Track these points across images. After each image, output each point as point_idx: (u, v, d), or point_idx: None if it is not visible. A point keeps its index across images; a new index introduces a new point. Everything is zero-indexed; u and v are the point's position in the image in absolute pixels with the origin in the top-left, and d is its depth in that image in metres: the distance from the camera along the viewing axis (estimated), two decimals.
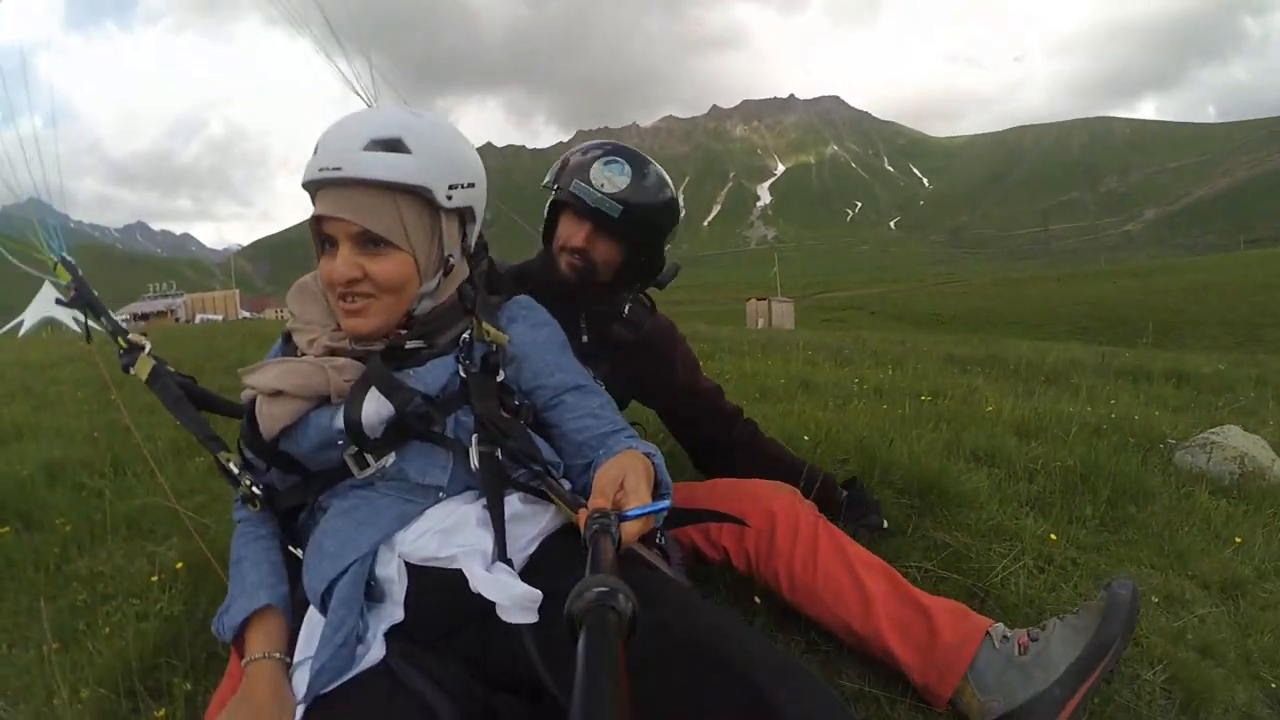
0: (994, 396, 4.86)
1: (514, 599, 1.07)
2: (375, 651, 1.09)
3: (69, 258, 1.60)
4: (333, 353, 1.32)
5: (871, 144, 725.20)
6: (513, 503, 1.25)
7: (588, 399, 1.40)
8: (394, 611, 1.14)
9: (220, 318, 65.58)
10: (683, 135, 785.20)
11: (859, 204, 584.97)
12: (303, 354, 1.35)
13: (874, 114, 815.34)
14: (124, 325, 1.54)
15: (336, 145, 1.24)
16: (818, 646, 1.82)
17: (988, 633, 1.56)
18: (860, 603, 1.65)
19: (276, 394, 1.27)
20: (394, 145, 1.24)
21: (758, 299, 38.85)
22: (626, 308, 2.11)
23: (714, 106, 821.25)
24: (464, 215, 1.37)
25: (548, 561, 1.21)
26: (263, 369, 1.31)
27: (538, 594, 1.07)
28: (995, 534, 2.42)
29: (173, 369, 1.50)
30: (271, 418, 1.27)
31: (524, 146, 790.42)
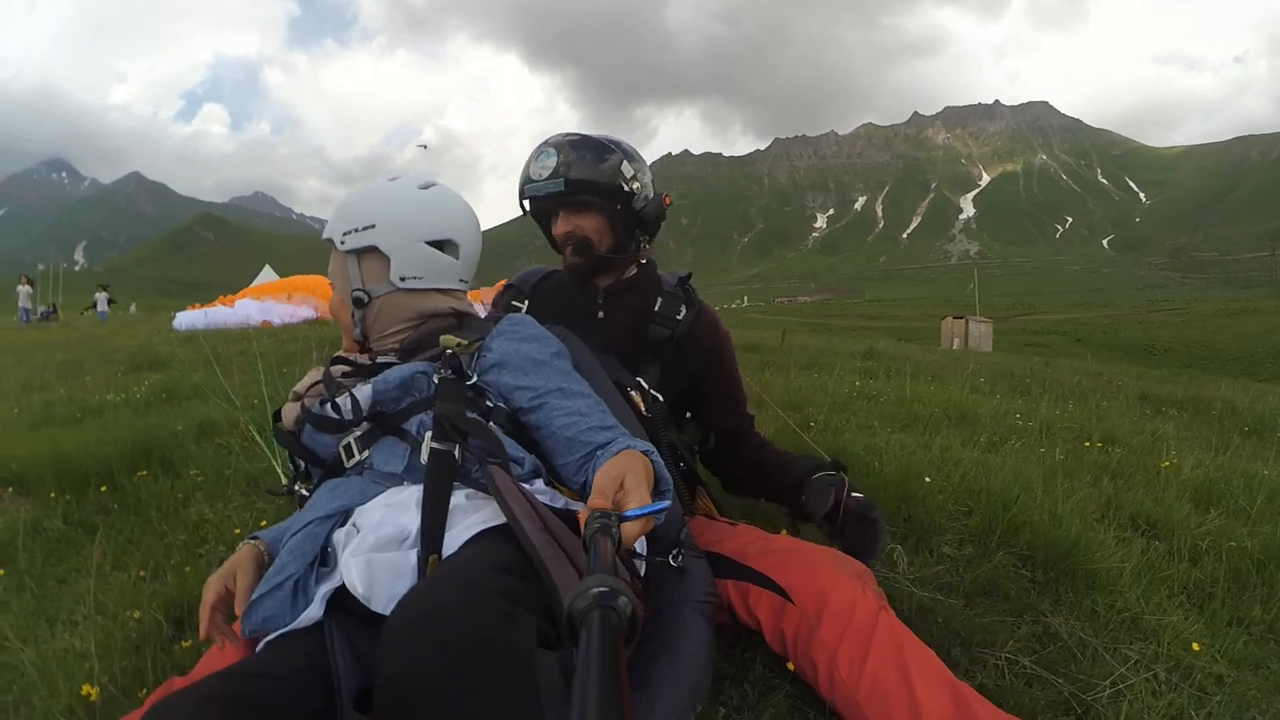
0: (1179, 448, 4.13)
1: (367, 586, 1.15)
2: (314, 610, 1.20)
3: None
4: (346, 361, 1.62)
5: (1083, 154, 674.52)
6: (459, 496, 1.31)
7: (571, 400, 1.47)
8: (338, 577, 1.23)
9: None
10: (882, 143, 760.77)
11: (1069, 219, 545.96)
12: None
13: (1085, 121, 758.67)
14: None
15: None
16: None
17: None
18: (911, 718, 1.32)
19: (296, 396, 1.60)
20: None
21: (954, 318, 36.98)
22: (658, 302, 2.10)
23: (915, 113, 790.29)
24: (371, 253, 1.61)
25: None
26: (306, 376, 1.65)
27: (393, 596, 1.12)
28: (1128, 629, 1.99)
29: None
30: (288, 415, 1.59)
31: (720, 154, 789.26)
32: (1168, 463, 3.59)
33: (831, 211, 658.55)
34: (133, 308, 49.30)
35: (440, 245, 1.63)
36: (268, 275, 28.15)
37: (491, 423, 1.44)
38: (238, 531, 2.63)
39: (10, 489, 3.20)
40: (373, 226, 1.58)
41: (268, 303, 15.15)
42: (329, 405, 1.46)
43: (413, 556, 1.21)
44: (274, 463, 3.22)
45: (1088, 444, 3.94)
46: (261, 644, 1.23)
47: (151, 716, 1.03)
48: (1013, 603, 2.07)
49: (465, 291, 1.73)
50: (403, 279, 1.60)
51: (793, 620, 1.54)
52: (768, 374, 7.28)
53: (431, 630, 0.95)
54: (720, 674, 1.72)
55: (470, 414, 1.41)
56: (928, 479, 2.76)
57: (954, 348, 29.92)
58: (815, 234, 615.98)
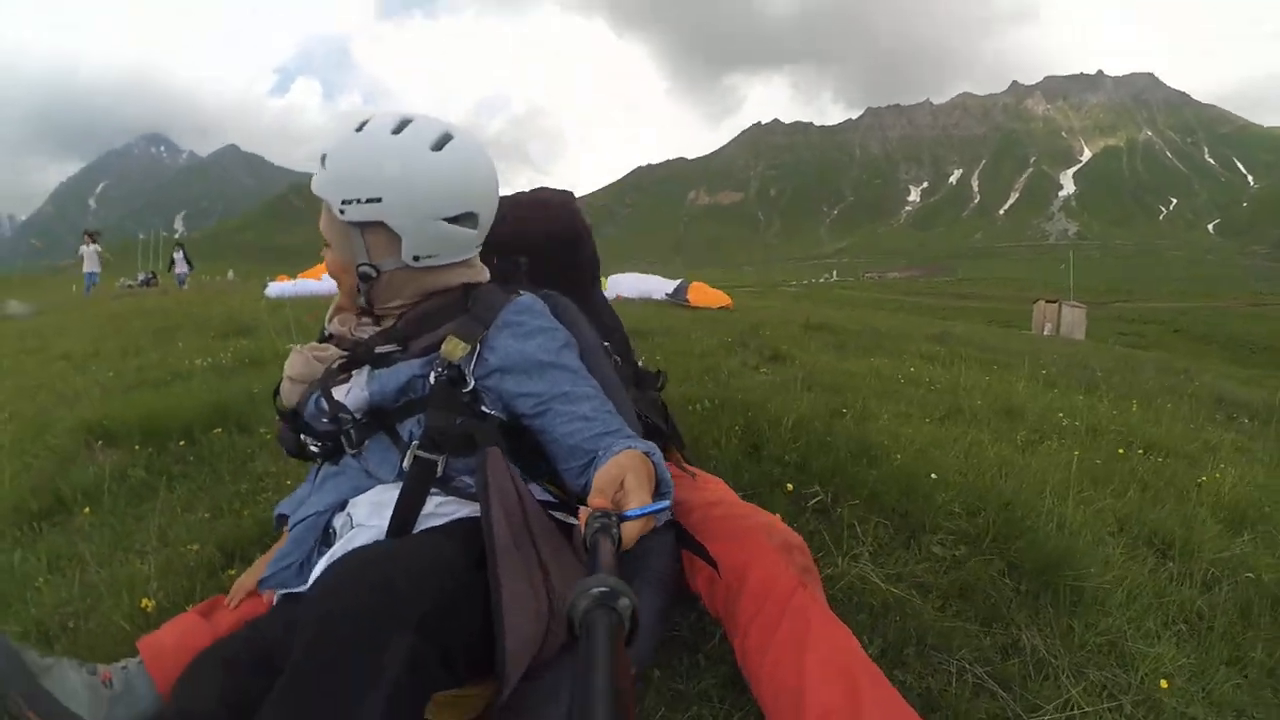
0: (1230, 462, 3.94)
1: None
2: (313, 580, 1.40)
3: None
4: (338, 338, 1.61)
5: (1190, 131, 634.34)
6: (431, 504, 1.41)
7: (576, 404, 1.45)
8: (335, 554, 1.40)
9: None
10: (980, 114, 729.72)
11: (1174, 200, 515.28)
12: (325, 330, 1.67)
13: (1194, 95, 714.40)
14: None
15: None
16: None
17: None
18: (793, 707, 1.29)
19: (290, 378, 1.61)
20: (321, 160, 1.49)
21: (1047, 301, 35.64)
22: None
23: (1013, 83, 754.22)
24: (378, 228, 1.48)
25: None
26: (289, 358, 1.62)
27: None
28: (1104, 654, 1.93)
29: None
30: (288, 395, 1.61)
31: (811, 124, 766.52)
32: (1206, 477, 3.45)
33: (925, 185, 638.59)
34: (230, 274, 51.08)
35: (458, 220, 1.50)
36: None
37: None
38: (289, 483, 2.90)
39: (101, 442, 3.54)
40: (378, 200, 1.43)
41: None
42: (325, 398, 1.50)
43: None
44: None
45: (1122, 450, 3.82)
46: (276, 597, 1.51)
47: (187, 674, 1.35)
48: (985, 610, 2.03)
49: (477, 254, 1.64)
50: (416, 258, 1.50)
51: (721, 593, 1.55)
52: (828, 355, 7.25)
53: (318, 601, 1.15)
54: (682, 642, 1.83)
55: (460, 421, 1.43)
56: (933, 475, 2.70)
57: (1045, 333, 28.92)
58: (908, 208, 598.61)
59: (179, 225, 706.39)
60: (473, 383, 1.46)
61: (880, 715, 1.23)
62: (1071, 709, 1.70)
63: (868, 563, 2.21)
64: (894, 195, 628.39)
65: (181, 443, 3.48)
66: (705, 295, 16.40)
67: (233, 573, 2.22)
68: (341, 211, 1.45)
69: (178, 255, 28.38)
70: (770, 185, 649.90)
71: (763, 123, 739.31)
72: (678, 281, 17.22)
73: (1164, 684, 1.81)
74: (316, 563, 1.45)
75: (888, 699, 1.28)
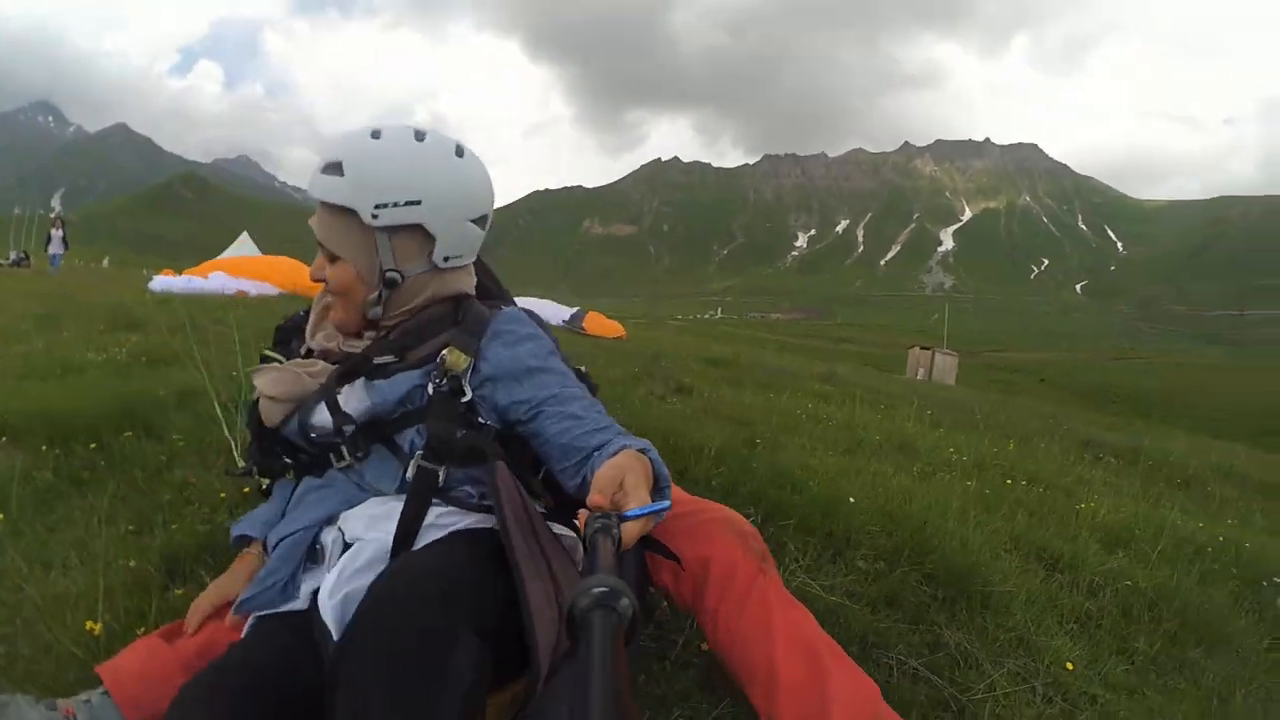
0: (1102, 494, 4.48)
1: (331, 622, 1.21)
2: (301, 603, 1.35)
3: None
4: (324, 352, 1.56)
5: (1066, 199, 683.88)
6: (433, 514, 1.38)
7: (565, 405, 1.45)
8: (323, 575, 1.33)
9: None
10: (871, 169, 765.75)
11: (1045, 261, 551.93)
12: (303, 345, 1.62)
13: (1072, 167, 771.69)
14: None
15: (313, 168, 1.47)
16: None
17: None
18: (765, 686, 1.46)
19: (274, 398, 1.51)
20: (334, 168, 1.43)
21: (921, 348, 37.49)
22: None
23: (905, 143, 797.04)
24: (420, 231, 1.47)
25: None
26: (261, 373, 1.53)
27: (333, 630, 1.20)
28: (1014, 646, 2.21)
29: None
30: (269, 414, 1.52)
31: (710, 164, 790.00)
32: (1084, 505, 3.90)
33: (813, 232, 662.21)
34: (105, 261, 48.07)
35: (479, 220, 1.54)
36: (245, 243, 26.92)
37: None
38: (223, 495, 2.78)
39: (3, 438, 3.35)
40: (418, 203, 1.43)
41: (243, 280, 15.09)
42: (331, 410, 1.45)
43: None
44: (231, 439, 3.32)
45: (1009, 481, 4.24)
46: (251, 619, 1.37)
47: (175, 708, 1.16)
48: (911, 613, 2.28)
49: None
50: (446, 259, 1.51)
51: (687, 585, 1.65)
52: (728, 389, 7.55)
53: (372, 616, 1.08)
54: (648, 652, 1.95)
55: (461, 432, 1.43)
56: (851, 499, 2.98)
57: (918, 378, 30.36)
58: (794, 253, 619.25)
59: (56, 203, 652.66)
60: (470, 393, 1.46)
61: (841, 680, 1.42)
62: (995, 691, 1.96)
63: (804, 575, 2.44)
64: (782, 240, 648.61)
65: (92, 445, 3.33)
66: (601, 325, 16.79)
67: (181, 593, 2.12)
68: (375, 216, 1.42)
69: (55, 233, 25.30)
70: (664, 220, 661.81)
71: (663, 159, 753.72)
72: (574, 309, 17.49)
73: (1069, 666, 2.14)
74: (302, 581, 1.38)
75: (846, 667, 1.46)
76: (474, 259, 1.63)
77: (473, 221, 1.53)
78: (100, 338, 6.63)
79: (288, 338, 1.74)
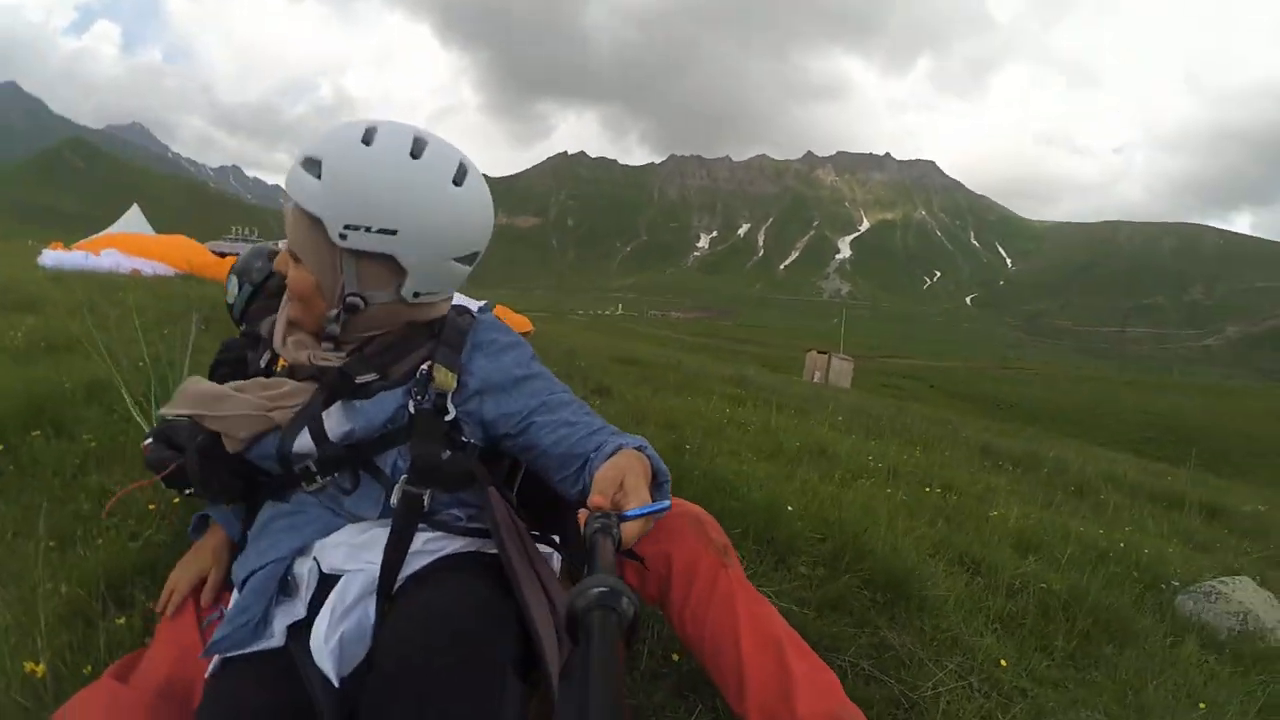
0: (1008, 501, 4.75)
1: (330, 668, 1.17)
2: (277, 640, 1.24)
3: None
4: (294, 365, 1.41)
5: (960, 215, 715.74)
6: (418, 541, 1.32)
7: (556, 412, 1.39)
8: (298, 609, 1.28)
9: None
10: (774, 175, 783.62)
11: (938, 273, 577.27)
12: (266, 354, 1.50)
13: (967, 185, 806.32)
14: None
15: (299, 150, 1.31)
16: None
17: None
18: (735, 683, 1.48)
19: (241, 439, 1.37)
20: (313, 166, 1.26)
21: (818, 352, 38.55)
22: None
23: (809, 152, 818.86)
24: (381, 259, 1.31)
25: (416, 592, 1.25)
26: (222, 414, 1.36)
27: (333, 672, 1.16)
28: (950, 646, 2.34)
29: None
30: (231, 443, 1.38)
31: (616, 161, 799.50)
32: (996, 512, 4.14)
33: (715, 234, 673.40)
34: None
35: (465, 259, 1.38)
36: (136, 216, 25.58)
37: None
38: (151, 507, 2.53)
39: None
40: (394, 233, 1.27)
41: (137, 259, 14.37)
42: (315, 438, 1.34)
43: (372, 609, 1.24)
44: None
45: (928, 489, 4.47)
46: (216, 661, 1.24)
47: None
48: (855, 617, 2.40)
49: None
50: (416, 295, 1.37)
51: (652, 583, 1.63)
52: (644, 390, 7.64)
53: (428, 633, 1.08)
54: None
55: (446, 453, 1.35)
56: (790, 508, 3.08)
57: (815, 380, 31.21)
58: (696, 253, 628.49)
59: None
60: (454, 412, 1.36)
61: (805, 672, 1.45)
62: (938, 688, 2.08)
63: (754, 582, 2.45)
64: (685, 240, 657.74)
65: (0, 447, 3.09)
66: (508, 319, 16.68)
67: (122, 621, 1.90)
68: (342, 237, 1.26)
69: None
70: (569, 215, 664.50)
71: (569, 153, 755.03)
72: (481, 303, 17.33)
73: (1003, 663, 2.29)
74: (274, 617, 1.28)
75: (809, 661, 1.49)
76: (452, 293, 1.49)
77: (457, 260, 1.37)
78: None
79: (255, 335, 1.62)
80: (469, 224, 1.36)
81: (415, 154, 1.29)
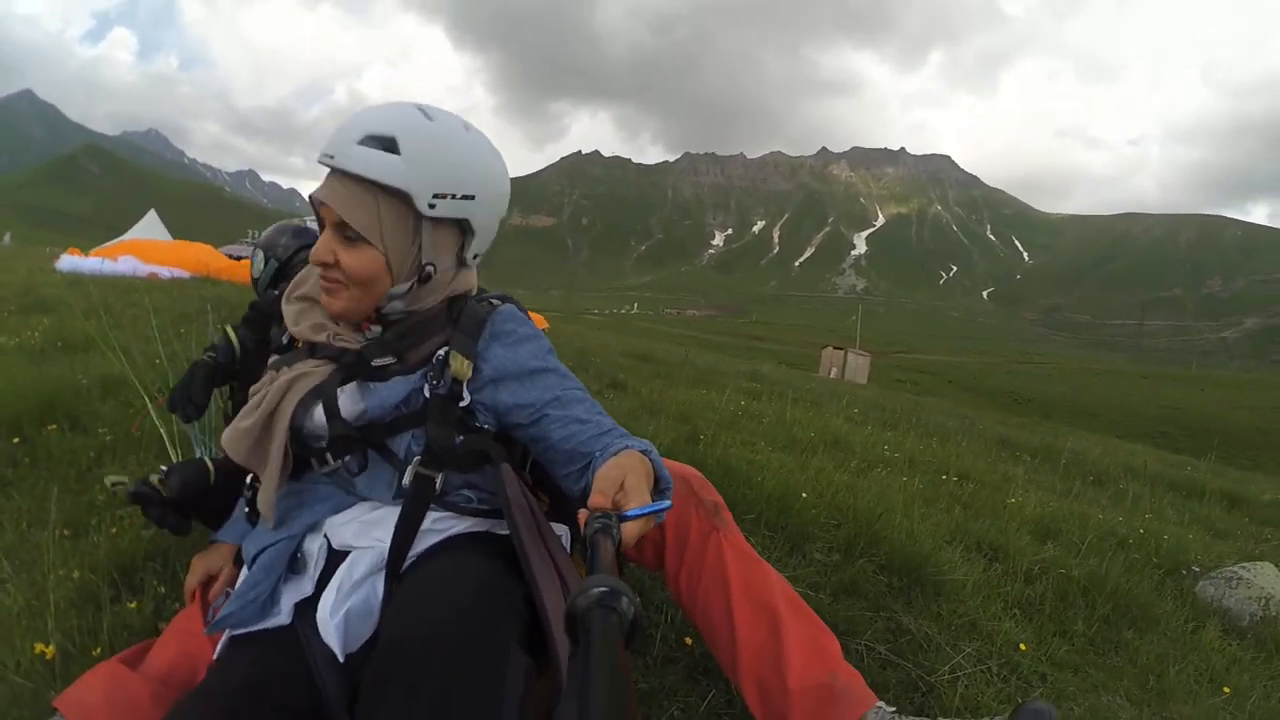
0: (1026, 490, 4.72)
1: (335, 642, 1.18)
2: (284, 617, 1.25)
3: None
4: (311, 345, 1.41)
5: (976, 209, 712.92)
6: (430, 517, 1.32)
7: (568, 408, 1.38)
8: (306, 586, 1.29)
9: None
10: (788, 172, 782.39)
11: (954, 268, 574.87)
12: (284, 333, 1.50)
13: (983, 179, 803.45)
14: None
15: (340, 133, 1.30)
16: None
17: None
18: (727, 649, 1.48)
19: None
20: (386, 144, 1.27)
21: (834, 348, 38.46)
22: None
23: (823, 148, 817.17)
24: (460, 226, 1.38)
25: (423, 569, 1.26)
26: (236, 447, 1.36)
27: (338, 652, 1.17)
28: (967, 630, 2.33)
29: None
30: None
31: (630, 160, 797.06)
32: (1014, 499, 4.10)
33: (730, 231, 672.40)
34: (6, 237, 45.22)
35: (502, 220, 1.48)
36: (153, 221, 26.01)
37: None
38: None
39: None
40: (473, 198, 1.35)
41: (154, 265, 14.48)
42: (330, 416, 1.35)
43: (379, 586, 1.25)
44: (163, 434, 3.12)
45: (944, 477, 4.42)
46: (225, 637, 1.28)
47: None
48: (871, 602, 2.38)
49: None
50: (475, 257, 1.45)
51: (649, 552, 1.65)
52: (659, 384, 7.62)
53: (430, 621, 1.06)
54: (632, 649, 1.97)
55: (460, 437, 1.36)
56: (804, 495, 3.07)
57: (831, 376, 31.13)
58: (711, 251, 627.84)
59: None
60: (469, 398, 1.37)
61: (799, 639, 1.44)
62: (956, 671, 2.06)
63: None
64: (699, 238, 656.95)
65: (15, 440, 3.13)
66: None
67: (134, 606, 1.94)
68: (431, 206, 1.31)
69: None
70: (583, 214, 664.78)
71: (583, 152, 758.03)
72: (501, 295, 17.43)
73: (1023, 647, 2.28)
74: (282, 594, 1.30)
75: (804, 626, 1.48)
76: (476, 270, 1.53)
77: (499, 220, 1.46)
78: (10, 321, 6.31)
79: (265, 322, 1.64)
80: (507, 188, 1.46)
81: (466, 129, 1.38)
